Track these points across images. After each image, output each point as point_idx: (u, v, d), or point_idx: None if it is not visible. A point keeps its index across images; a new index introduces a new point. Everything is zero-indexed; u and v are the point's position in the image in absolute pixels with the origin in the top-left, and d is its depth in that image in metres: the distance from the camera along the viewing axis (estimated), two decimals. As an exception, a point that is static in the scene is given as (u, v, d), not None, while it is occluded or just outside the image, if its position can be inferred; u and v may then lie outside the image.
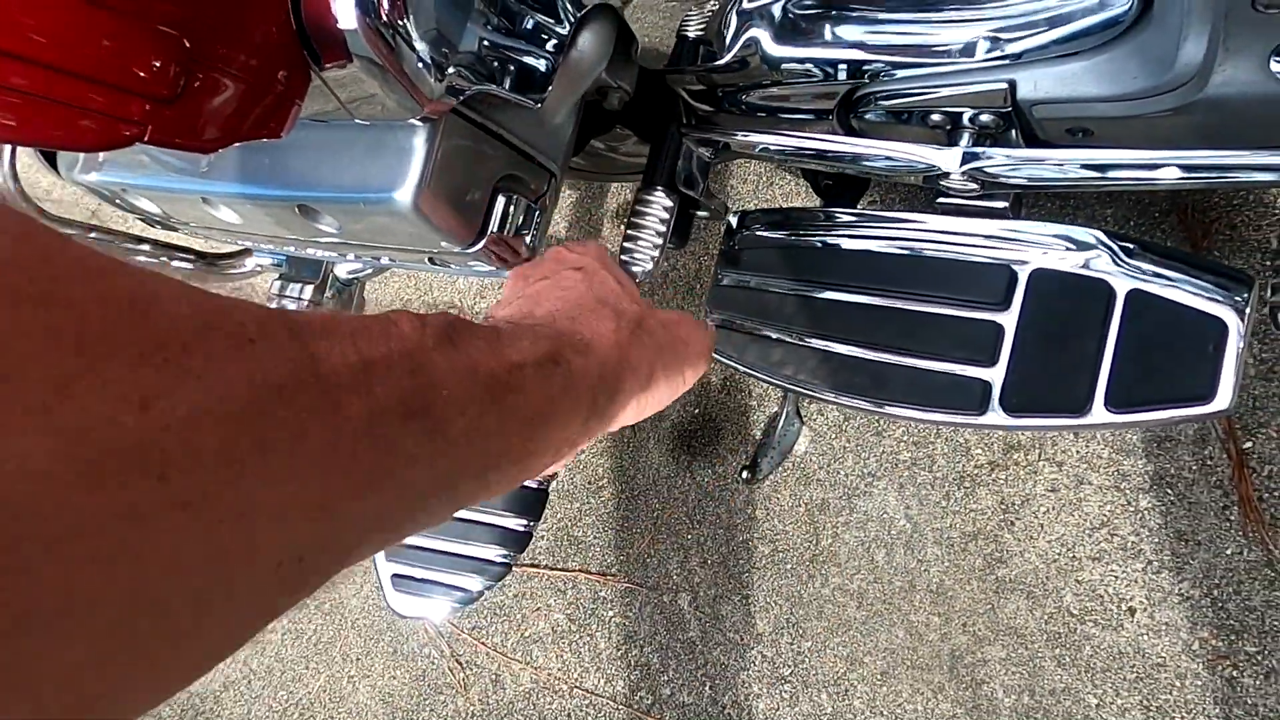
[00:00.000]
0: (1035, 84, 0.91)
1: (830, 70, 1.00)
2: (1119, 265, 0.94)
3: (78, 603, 0.22)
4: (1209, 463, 1.16)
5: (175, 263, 1.40)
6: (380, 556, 1.31)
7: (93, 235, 1.31)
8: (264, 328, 0.30)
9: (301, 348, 0.31)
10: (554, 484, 1.63)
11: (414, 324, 0.38)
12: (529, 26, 0.89)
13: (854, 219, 1.10)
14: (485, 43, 0.85)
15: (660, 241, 1.15)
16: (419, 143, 0.88)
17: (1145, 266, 0.93)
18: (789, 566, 1.38)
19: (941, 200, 1.05)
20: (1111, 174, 0.95)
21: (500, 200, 0.95)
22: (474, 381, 0.40)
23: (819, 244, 1.11)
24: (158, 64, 0.70)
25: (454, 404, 0.38)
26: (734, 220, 1.19)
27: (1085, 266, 0.95)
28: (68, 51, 0.66)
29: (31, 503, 0.21)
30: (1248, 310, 0.87)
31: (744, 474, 1.43)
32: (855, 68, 1.00)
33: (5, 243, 0.23)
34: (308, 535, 0.30)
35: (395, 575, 1.31)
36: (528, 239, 1.00)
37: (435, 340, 0.39)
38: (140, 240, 1.35)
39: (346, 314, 0.37)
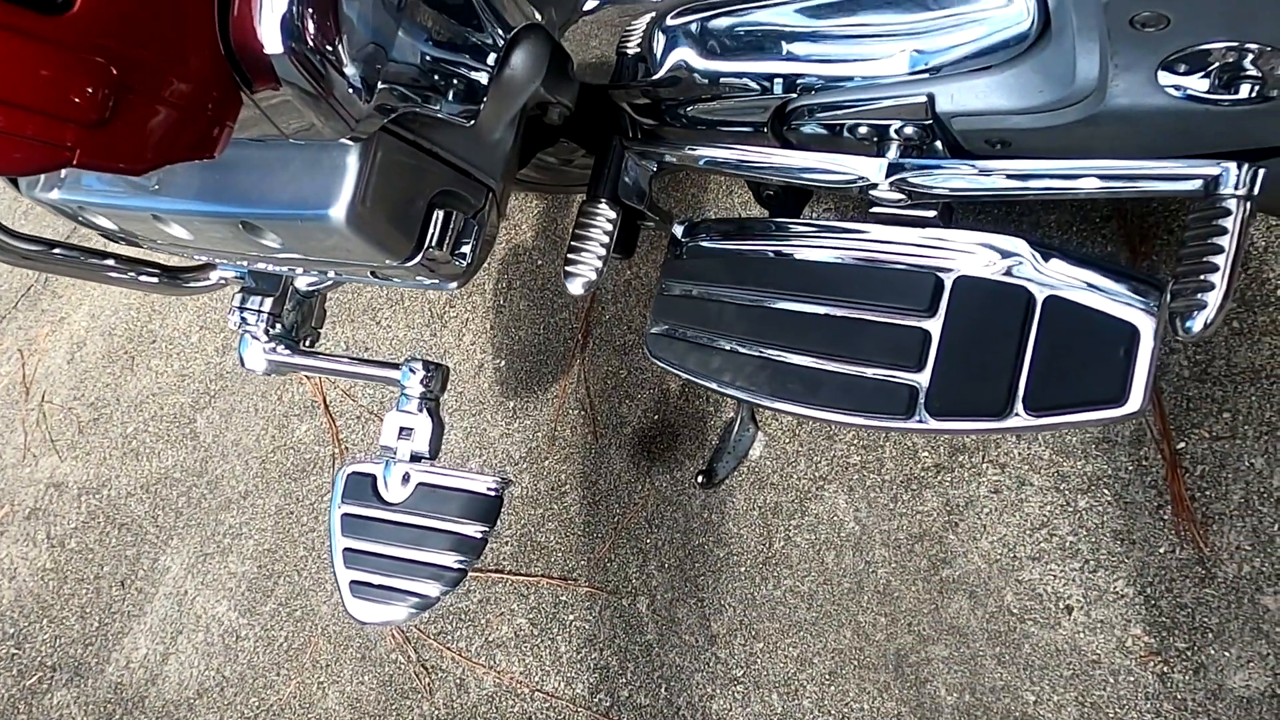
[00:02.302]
0: (952, 97, 0.94)
1: (759, 84, 1.03)
2: (1039, 272, 0.97)
3: None
4: (1144, 463, 1.19)
5: (142, 277, 1.42)
6: (339, 563, 1.34)
7: (56, 251, 1.33)
8: None
9: None
10: (517, 490, 1.65)
11: None
12: (459, 48, 0.92)
13: (792, 228, 1.13)
14: (415, 65, 0.88)
15: (604, 253, 1.17)
16: (352, 160, 0.90)
17: (1064, 273, 0.95)
18: (743, 569, 1.40)
19: (874, 210, 1.08)
20: (1033, 184, 0.98)
21: (437, 215, 0.98)
22: None
23: (758, 253, 1.14)
24: (87, 90, 0.73)
25: None
26: (679, 231, 1.22)
27: (1007, 274, 0.98)
28: (-2, 80, 0.69)
29: None
30: (1159, 315, 0.89)
31: (700, 479, 1.46)
32: (784, 81, 1.03)
33: None
34: None
35: (354, 582, 1.33)
36: (465, 252, 1.02)
37: None
38: (105, 256, 1.37)
39: None
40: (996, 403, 0.95)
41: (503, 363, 1.79)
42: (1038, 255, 0.97)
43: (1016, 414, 0.94)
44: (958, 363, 0.98)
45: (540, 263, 1.84)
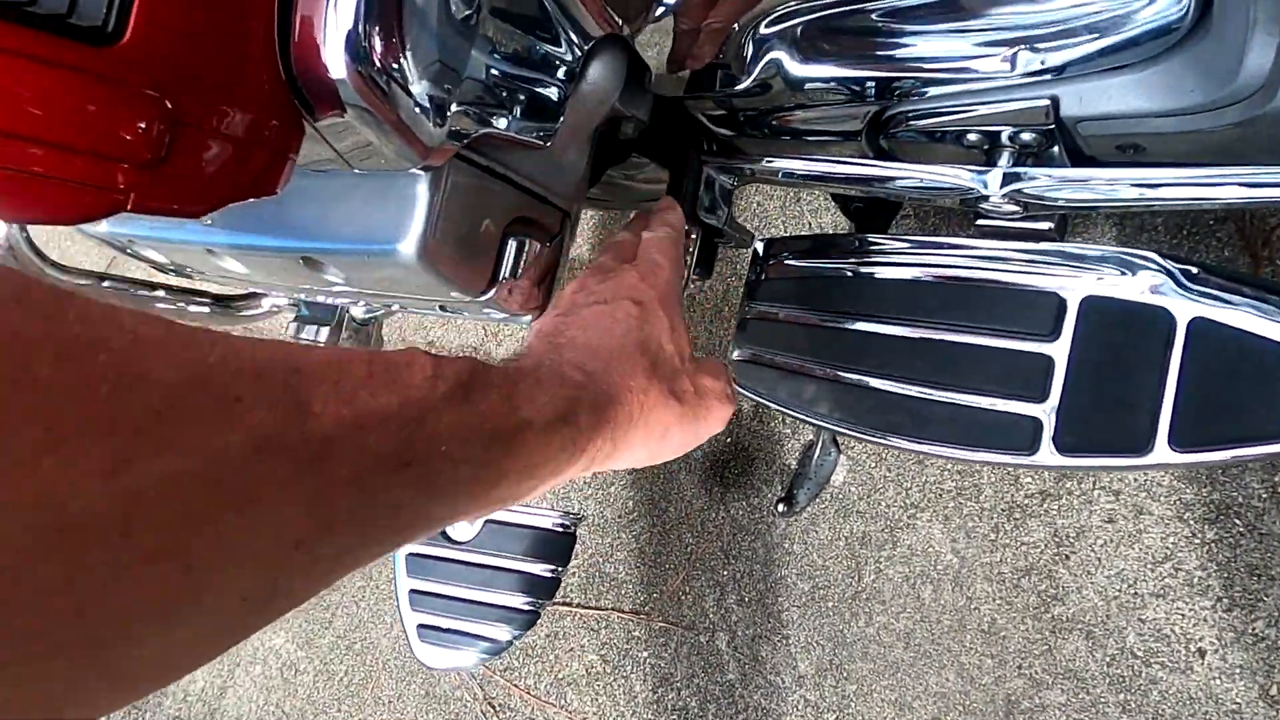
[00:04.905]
0: (1080, 99, 0.85)
1: (858, 89, 0.95)
2: (1178, 290, 0.87)
3: (42, 647, 0.25)
4: (1279, 491, 1.08)
5: (191, 308, 1.37)
6: (405, 606, 1.27)
7: (106, 285, 1.28)
8: (257, 382, 0.32)
9: (293, 401, 0.33)
10: (583, 520, 1.58)
11: (426, 373, 0.41)
12: (534, 63, 0.84)
13: (887, 245, 1.04)
14: (487, 84, 0.80)
15: (685, 273, 1.10)
16: (422, 190, 0.83)
17: (1207, 291, 0.86)
18: (830, 604, 1.31)
19: (981, 223, 0.99)
20: (1166, 192, 0.88)
21: (511, 245, 0.91)
22: (477, 438, 0.42)
23: (850, 272, 1.05)
24: (140, 126, 0.66)
25: (450, 459, 0.40)
26: (760, 248, 1.13)
27: (1141, 292, 0.88)
28: (42, 120, 0.62)
29: None
30: (1323, 336, 0.79)
31: (780, 506, 1.37)
32: (884, 86, 0.94)
33: None
34: (281, 569, 0.32)
35: (421, 626, 1.27)
36: (541, 282, 0.95)
37: (447, 393, 0.41)
38: (155, 287, 1.32)
39: (360, 354, 0.40)
40: (1136, 437, 0.85)
41: (562, 383, 1.71)
42: (1175, 271, 0.87)
43: (1159, 450, 0.84)
44: (1088, 393, 0.88)
45: (598, 278, 1.76)
